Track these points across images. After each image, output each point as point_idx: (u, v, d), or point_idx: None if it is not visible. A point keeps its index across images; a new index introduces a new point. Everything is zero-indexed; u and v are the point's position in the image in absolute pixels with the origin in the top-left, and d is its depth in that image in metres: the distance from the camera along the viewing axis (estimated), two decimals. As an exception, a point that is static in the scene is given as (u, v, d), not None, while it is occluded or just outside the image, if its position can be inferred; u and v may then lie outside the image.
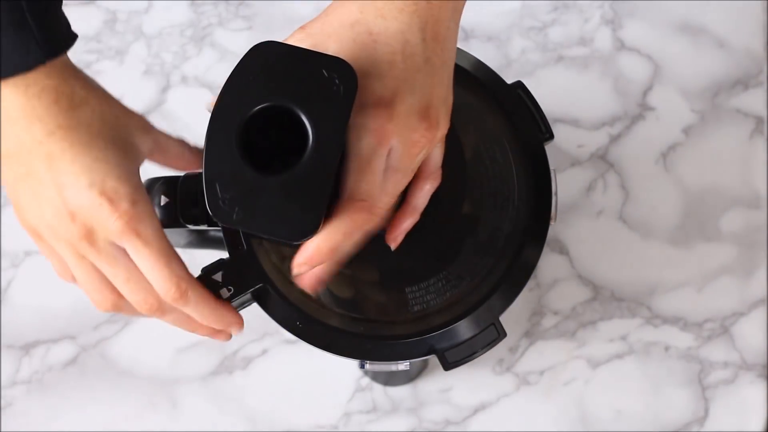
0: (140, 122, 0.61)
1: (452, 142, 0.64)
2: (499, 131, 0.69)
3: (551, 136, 0.69)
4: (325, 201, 0.56)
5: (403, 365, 0.69)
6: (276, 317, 0.67)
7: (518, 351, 0.91)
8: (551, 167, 0.68)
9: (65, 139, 0.57)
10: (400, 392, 0.90)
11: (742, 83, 0.94)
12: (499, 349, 0.91)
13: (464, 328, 0.67)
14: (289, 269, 0.65)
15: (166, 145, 0.63)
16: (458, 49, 0.63)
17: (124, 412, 0.90)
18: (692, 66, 0.94)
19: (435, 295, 0.68)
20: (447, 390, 0.91)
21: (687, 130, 0.94)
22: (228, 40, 0.95)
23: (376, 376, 0.90)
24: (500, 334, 0.67)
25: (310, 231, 0.57)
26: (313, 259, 0.58)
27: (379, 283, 0.69)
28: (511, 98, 0.70)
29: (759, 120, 0.93)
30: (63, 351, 0.91)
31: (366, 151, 0.56)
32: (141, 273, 0.60)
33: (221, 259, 0.66)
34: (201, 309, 0.62)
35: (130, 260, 0.59)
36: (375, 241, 0.64)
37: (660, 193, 0.93)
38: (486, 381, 0.91)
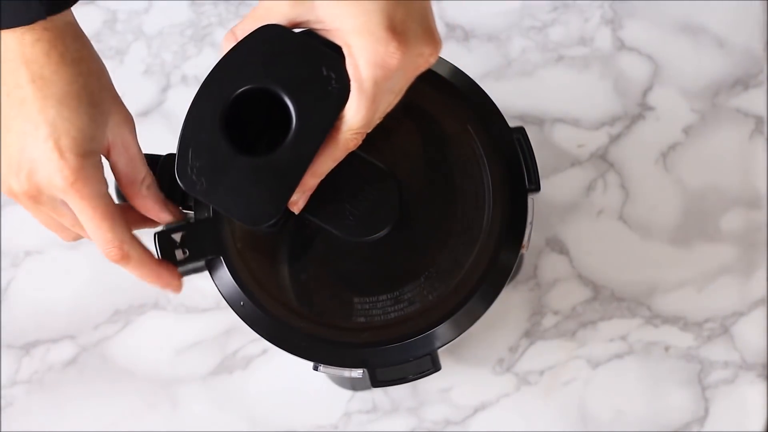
0: (122, 115, 0.61)
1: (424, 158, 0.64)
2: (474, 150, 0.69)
3: (538, 188, 0.68)
4: (288, 197, 0.56)
5: (356, 372, 0.68)
6: (222, 291, 0.67)
7: (518, 351, 0.91)
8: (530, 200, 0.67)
9: (41, 90, 0.58)
10: (400, 392, 0.90)
11: (742, 83, 0.94)
12: (499, 348, 0.91)
13: (402, 350, 0.67)
14: (247, 246, 0.65)
15: (126, 149, 0.62)
16: (440, 57, 0.61)
17: (124, 412, 0.90)
18: (692, 66, 0.94)
19: (380, 311, 0.68)
20: (447, 390, 0.91)
21: (687, 130, 0.94)
22: (228, 40, 0.95)
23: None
24: (435, 366, 0.67)
25: (264, 221, 0.57)
26: (309, 187, 0.59)
27: (342, 289, 0.68)
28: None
29: (759, 120, 0.93)
30: (63, 351, 0.91)
31: (372, 87, 0.56)
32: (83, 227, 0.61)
33: (186, 221, 0.66)
34: (140, 270, 0.63)
35: (74, 216, 0.60)
36: (353, 248, 0.64)
37: (660, 193, 0.93)
38: (486, 381, 0.91)
